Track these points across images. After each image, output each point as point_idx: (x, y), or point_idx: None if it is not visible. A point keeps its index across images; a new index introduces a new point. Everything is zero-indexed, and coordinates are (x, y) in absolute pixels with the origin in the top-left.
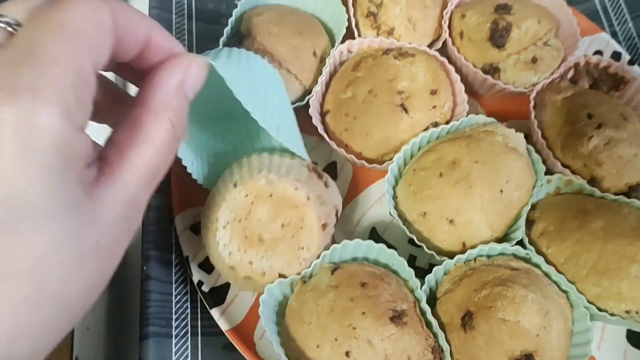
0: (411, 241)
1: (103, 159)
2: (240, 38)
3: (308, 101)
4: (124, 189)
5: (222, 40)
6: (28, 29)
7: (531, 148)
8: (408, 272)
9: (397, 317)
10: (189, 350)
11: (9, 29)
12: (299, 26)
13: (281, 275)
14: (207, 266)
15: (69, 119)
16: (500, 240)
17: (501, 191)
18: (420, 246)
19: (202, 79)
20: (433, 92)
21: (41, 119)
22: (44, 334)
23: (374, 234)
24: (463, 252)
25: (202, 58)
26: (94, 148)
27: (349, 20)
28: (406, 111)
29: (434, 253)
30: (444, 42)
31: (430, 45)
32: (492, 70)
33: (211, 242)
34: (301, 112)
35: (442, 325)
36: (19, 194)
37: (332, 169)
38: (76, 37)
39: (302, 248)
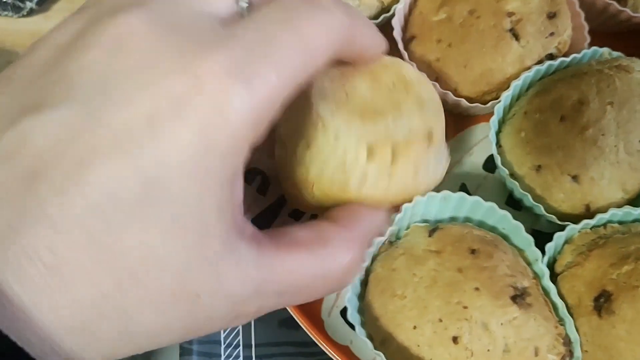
0: (509, 202)
1: (265, 232)
2: None
3: (383, 21)
4: (266, 270)
5: None
6: (269, 20)
7: None
8: (525, 240)
9: (519, 297)
10: (240, 327)
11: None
12: None
13: None
14: (262, 223)
15: (254, 130)
16: (632, 203)
17: None
18: (520, 209)
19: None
20: (551, 16)
21: (233, 116)
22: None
23: (464, 191)
24: (585, 216)
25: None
26: None
27: None
28: (516, 38)
29: (553, 217)
30: None
31: None
32: None
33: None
34: None
35: (567, 308)
36: (170, 181)
37: None
38: (309, 53)
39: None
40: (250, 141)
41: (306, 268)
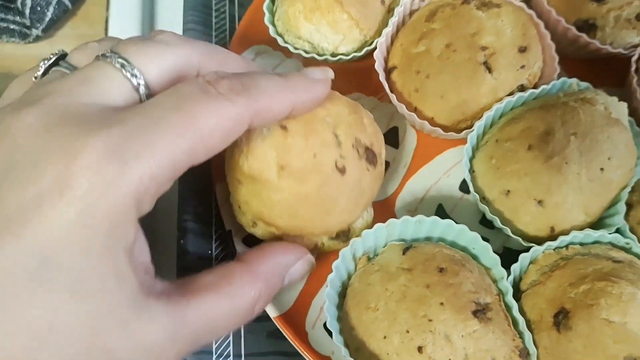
0: (483, 222)
1: (175, 284)
2: None
3: (366, 54)
4: (178, 319)
5: None
6: (160, 104)
7: (632, 120)
8: (492, 259)
9: (480, 312)
10: (230, 338)
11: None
12: None
13: None
14: (251, 241)
15: (137, 207)
16: (594, 226)
17: (602, 169)
18: (493, 228)
19: (303, 275)
20: (522, 50)
21: (111, 195)
22: None
23: (441, 212)
24: (550, 237)
25: (311, 258)
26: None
27: None
28: (490, 71)
29: (519, 238)
30: None
31: None
32: (588, 27)
33: None
34: (358, 68)
35: (528, 323)
36: (60, 254)
37: (393, 135)
38: (199, 138)
39: None
40: (136, 213)
41: (216, 308)
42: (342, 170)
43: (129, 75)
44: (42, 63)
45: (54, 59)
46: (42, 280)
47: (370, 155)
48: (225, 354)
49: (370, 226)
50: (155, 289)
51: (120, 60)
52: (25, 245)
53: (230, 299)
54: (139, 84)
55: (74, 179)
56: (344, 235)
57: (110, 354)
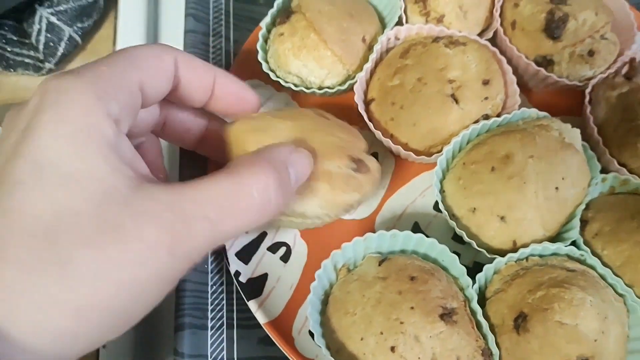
0: (455, 238)
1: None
2: (289, 14)
3: (349, 87)
4: (177, 196)
5: (264, 22)
6: (112, 55)
7: (586, 145)
8: (459, 270)
9: (447, 315)
10: (224, 343)
11: None
12: (352, 9)
13: None
14: (244, 256)
15: (103, 104)
16: (553, 239)
17: (557, 188)
18: (464, 243)
19: (306, 169)
20: (485, 83)
21: (74, 94)
22: (87, 337)
23: (417, 229)
24: (513, 250)
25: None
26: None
27: None
28: (457, 102)
29: (484, 251)
30: (495, 32)
31: (480, 35)
32: (546, 62)
33: None
34: (341, 100)
35: (492, 327)
36: (50, 155)
37: None
38: (138, 63)
39: None
40: (105, 110)
41: (219, 188)
42: (324, 117)
43: None
44: None
45: None
46: (39, 180)
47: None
48: (219, 358)
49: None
50: (152, 180)
51: None
52: (22, 157)
53: (236, 180)
54: None
55: (44, 96)
56: (361, 164)
57: (123, 228)
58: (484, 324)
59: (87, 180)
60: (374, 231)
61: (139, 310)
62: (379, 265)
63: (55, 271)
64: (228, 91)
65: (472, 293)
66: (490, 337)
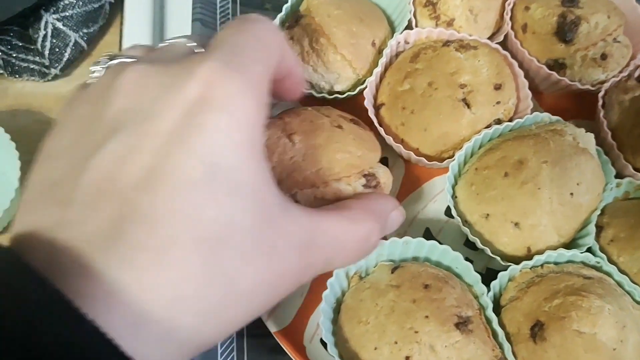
0: (467, 244)
1: None
2: (298, 18)
3: (359, 92)
4: (314, 224)
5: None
6: (230, 34)
7: (600, 149)
8: (474, 277)
9: (462, 324)
10: (234, 353)
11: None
12: (361, 13)
13: None
14: None
15: (260, 111)
16: (567, 246)
17: (571, 194)
18: (477, 249)
19: (398, 224)
20: (497, 87)
21: (244, 98)
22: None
23: (428, 235)
24: (527, 257)
25: (403, 209)
26: None
27: None
28: (468, 106)
29: (498, 257)
30: (505, 35)
31: (490, 38)
32: (558, 66)
33: None
34: (351, 104)
35: (507, 336)
36: (223, 158)
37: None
38: (268, 49)
39: None
40: (261, 118)
41: (339, 225)
42: (339, 127)
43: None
44: (95, 64)
45: (107, 59)
46: (212, 182)
47: (356, 122)
48: None
49: (391, 179)
50: (289, 199)
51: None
52: (194, 154)
53: (350, 222)
54: None
55: (210, 92)
56: (372, 178)
57: (273, 251)
58: (500, 332)
59: (252, 194)
60: (384, 237)
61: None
62: (392, 272)
63: (222, 284)
64: (299, 76)
65: (487, 301)
66: (507, 346)
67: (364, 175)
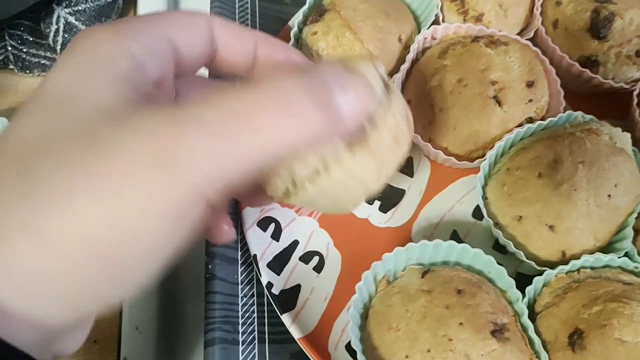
0: (496, 247)
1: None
2: (322, 12)
3: None
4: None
5: (296, 21)
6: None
7: (637, 150)
8: (507, 282)
9: (498, 332)
10: (256, 358)
11: None
12: (387, 7)
13: None
14: (275, 266)
15: (119, 38)
16: (603, 250)
17: (609, 196)
18: (506, 253)
19: (366, 106)
20: (529, 85)
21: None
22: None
23: (455, 238)
24: (562, 261)
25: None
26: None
27: None
28: (499, 104)
29: (532, 262)
30: (535, 31)
31: (519, 34)
32: (590, 63)
33: None
34: None
35: (543, 344)
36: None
37: (408, 165)
38: (169, 16)
39: None
40: (121, 43)
41: (236, 98)
42: None
43: None
44: None
45: None
46: (34, 107)
47: None
48: None
49: None
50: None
51: None
52: (33, 95)
53: (260, 88)
54: None
55: (71, 42)
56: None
57: (101, 144)
58: (537, 340)
59: (82, 103)
60: (410, 239)
61: (142, 250)
62: (422, 277)
63: (23, 196)
64: (276, 56)
65: (522, 307)
66: (544, 356)
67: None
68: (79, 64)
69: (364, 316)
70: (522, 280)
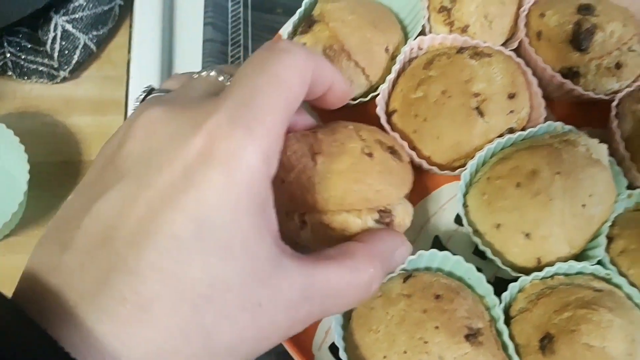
0: (476, 252)
1: (300, 252)
2: (311, 23)
3: (371, 98)
4: (309, 279)
5: (286, 31)
6: (248, 74)
7: (613, 160)
8: (486, 289)
9: (472, 336)
10: None
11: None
12: (375, 18)
13: None
14: None
15: (267, 165)
16: (578, 257)
17: (583, 205)
18: (486, 258)
19: (404, 260)
20: (511, 96)
21: (246, 155)
22: None
23: (437, 243)
24: (537, 268)
25: (410, 245)
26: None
27: None
28: (482, 115)
29: (508, 269)
30: (519, 42)
31: (503, 45)
32: (572, 74)
33: None
34: (363, 111)
35: (516, 347)
36: (214, 216)
37: None
38: (288, 90)
39: None
40: (267, 171)
41: (338, 277)
42: (369, 155)
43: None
44: (135, 100)
45: (144, 94)
46: (200, 240)
47: (393, 152)
48: None
49: (410, 217)
50: (288, 251)
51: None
52: (183, 210)
53: (351, 272)
54: None
55: (212, 148)
56: (386, 215)
57: (259, 309)
58: (510, 345)
59: (242, 252)
60: None
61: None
62: (404, 282)
63: (201, 339)
64: (341, 90)
65: (499, 312)
66: (516, 359)
67: (379, 211)
68: (236, 201)
69: (348, 317)
70: (501, 284)
